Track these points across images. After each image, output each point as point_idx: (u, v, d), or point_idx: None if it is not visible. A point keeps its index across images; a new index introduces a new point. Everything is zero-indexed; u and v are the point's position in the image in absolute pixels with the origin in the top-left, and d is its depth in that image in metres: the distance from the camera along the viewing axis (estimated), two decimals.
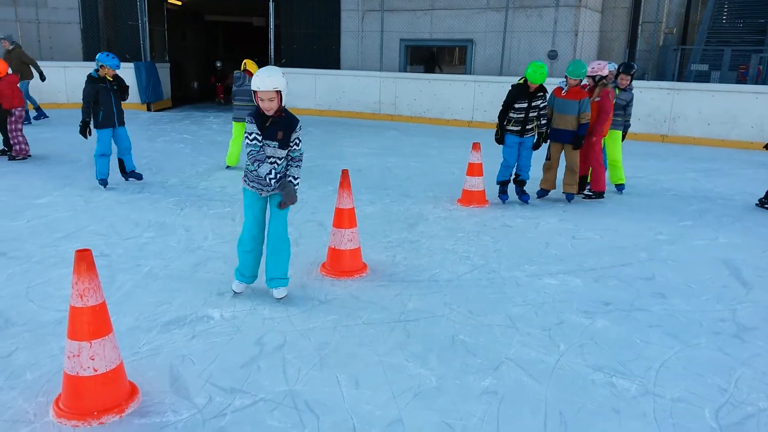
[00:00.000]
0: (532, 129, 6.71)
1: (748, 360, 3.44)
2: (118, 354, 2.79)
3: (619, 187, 7.72)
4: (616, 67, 7.82)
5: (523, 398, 2.99)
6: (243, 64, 8.51)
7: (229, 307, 3.98)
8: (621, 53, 15.01)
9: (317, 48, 16.39)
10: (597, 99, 6.99)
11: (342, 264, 4.60)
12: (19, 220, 5.84)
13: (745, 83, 14.27)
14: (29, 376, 3.08)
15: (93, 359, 2.65)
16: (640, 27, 14.86)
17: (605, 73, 7.04)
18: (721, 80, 14.74)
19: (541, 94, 6.58)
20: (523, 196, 6.99)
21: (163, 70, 16.35)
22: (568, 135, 6.87)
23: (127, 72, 15.38)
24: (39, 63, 14.20)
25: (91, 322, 2.63)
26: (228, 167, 8.71)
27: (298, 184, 3.99)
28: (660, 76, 15.58)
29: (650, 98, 12.33)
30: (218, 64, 19.50)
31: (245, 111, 7.94)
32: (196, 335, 3.57)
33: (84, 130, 7.12)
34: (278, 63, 15.94)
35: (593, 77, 7.04)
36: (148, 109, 15.69)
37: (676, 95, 12.24)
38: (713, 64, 15.45)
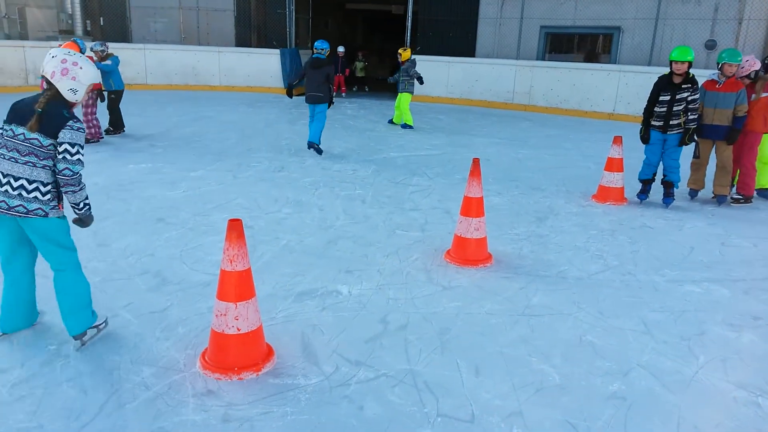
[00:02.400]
0: (677, 125, 6.11)
1: None
2: (258, 317, 3.02)
3: (762, 193, 6.91)
4: None
5: (654, 407, 2.84)
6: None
7: (356, 284, 4.15)
8: None
9: (453, 35, 16.32)
10: (764, 94, 6.34)
11: (467, 252, 4.60)
12: (176, 190, 6.47)
13: None
14: (181, 330, 3.43)
15: (237, 319, 2.89)
16: None
17: (758, 67, 6.37)
18: None
19: (688, 86, 5.96)
20: (665, 199, 6.43)
21: (306, 57, 17.14)
22: (722, 131, 6.29)
23: (273, 58, 16.43)
24: (196, 48, 15.52)
25: (238, 285, 2.87)
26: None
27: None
28: None
29: None
30: (341, 50, 16.76)
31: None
32: (326, 308, 3.76)
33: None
34: (414, 50, 16.08)
35: (747, 76, 6.39)
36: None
37: None
38: None
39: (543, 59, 15.30)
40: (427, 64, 15.54)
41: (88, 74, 3.00)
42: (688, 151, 6.79)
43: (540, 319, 3.72)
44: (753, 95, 6.47)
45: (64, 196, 3.06)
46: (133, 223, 5.32)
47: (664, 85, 6.09)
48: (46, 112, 2.89)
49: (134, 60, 16.33)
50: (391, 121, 12.00)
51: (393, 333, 3.48)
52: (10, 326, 3.29)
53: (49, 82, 2.97)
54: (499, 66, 15.03)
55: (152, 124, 10.83)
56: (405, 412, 2.75)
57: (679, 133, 6.13)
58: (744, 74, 6.45)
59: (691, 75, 5.98)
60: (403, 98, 11.36)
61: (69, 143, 2.90)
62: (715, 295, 4.18)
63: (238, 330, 2.90)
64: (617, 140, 6.49)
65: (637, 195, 6.58)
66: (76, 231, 5.05)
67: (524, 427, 2.67)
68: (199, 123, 11.16)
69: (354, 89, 18.78)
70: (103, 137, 9.09)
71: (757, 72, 6.42)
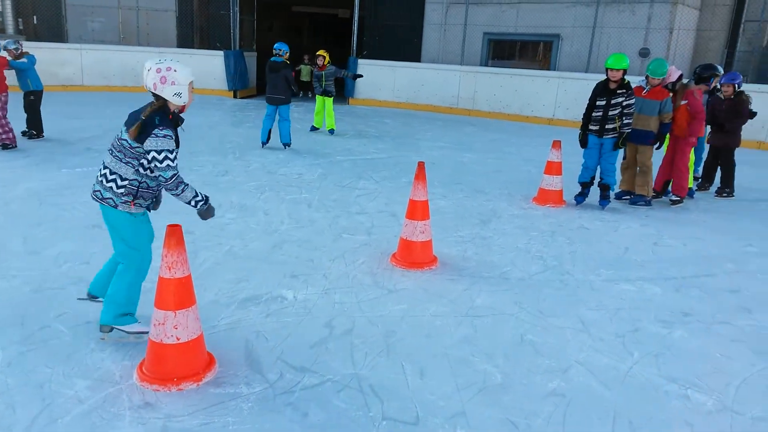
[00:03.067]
0: (613, 129, 6.30)
1: None
2: (199, 325, 2.95)
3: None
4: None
5: (592, 403, 2.93)
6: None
7: (302, 289, 4.11)
8: (719, 54, 14.17)
9: (399, 40, 16.46)
10: (683, 102, 6.67)
11: (413, 255, 4.64)
12: None
13: None
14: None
15: (176, 328, 2.82)
16: (742, 26, 13.95)
17: (675, 77, 6.71)
18: None
19: (623, 92, 6.18)
20: (602, 201, 6.65)
21: (250, 59, 16.93)
22: (643, 135, 6.59)
23: (216, 60, 16.13)
24: (136, 48, 15.03)
25: (177, 293, 2.80)
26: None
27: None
28: (761, 78, 14.57)
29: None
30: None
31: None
32: (271, 314, 3.72)
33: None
34: (360, 54, 16.12)
35: (665, 86, 6.72)
36: (234, 96, 16.30)
37: None
38: None
39: (486, 65, 15.62)
40: (373, 69, 15.61)
41: (183, 74, 3.12)
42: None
43: (483, 320, 3.78)
44: (678, 102, 6.78)
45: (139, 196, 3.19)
46: (67, 229, 5.11)
47: (600, 90, 6.32)
48: (145, 121, 3.05)
49: (70, 60, 15.72)
50: (313, 128, 11.33)
51: (338, 337, 3.47)
52: (92, 288, 3.56)
53: (154, 95, 3.12)
54: (444, 71, 15.24)
55: (89, 126, 10.44)
56: (350, 417, 2.74)
57: (615, 137, 6.34)
58: (665, 84, 6.76)
59: (626, 81, 6.21)
60: (328, 102, 10.91)
61: (155, 151, 3.02)
62: (648, 293, 4.36)
63: (177, 339, 2.83)
64: (556, 144, 6.69)
65: (575, 197, 6.78)
66: (4, 238, 4.82)
67: (467, 427, 2.70)
68: None
69: (299, 94, 18.59)
70: (15, 145, 8.25)
71: (674, 83, 6.73)
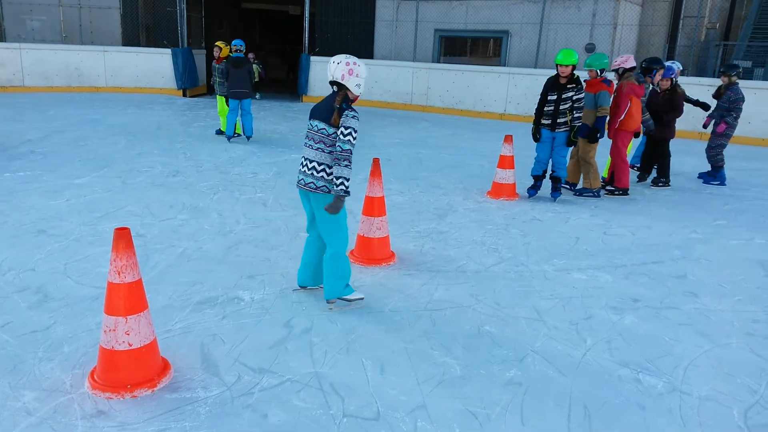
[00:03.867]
0: (564, 123, 6.41)
1: None
2: (151, 330, 2.87)
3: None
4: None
5: (548, 390, 2.99)
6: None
7: (259, 289, 4.06)
8: (660, 48, 14.69)
9: (351, 37, 16.43)
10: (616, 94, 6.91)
11: (370, 252, 4.64)
12: (58, 199, 6.03)
13: None
14: (66, 348, 3.20)
15: (128, 334, 2.74)
16: (681, 21, 14.49)
17: (629, 65, 6.89)
18: (765, 77, 14.32)
19: (573, 86, 6.29)
20: (553, 193, 6.80)
21: (199, 57, 16.58)
22: (583, 128, 6.77)
23: (164, 58, 15.76)
24: (79, 47, 14.53)
25: (128, 298, 2.71)
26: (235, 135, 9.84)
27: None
28: (700, 72, 15.20)
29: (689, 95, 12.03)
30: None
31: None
32: (227, 315, 3.65)
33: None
34: (312, 51, 16.01)
35: (616, 70, 6.92)
36: (184, 95, 15.95)
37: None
38: (757, 60, 15.01)
39: (438, 62, 15.75)
40: (326, 66, 15.51)
41: (364, 69, 3.67)
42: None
43: (441, 313, 3.82)
44: (614, 93, 6.99)
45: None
46: (10, 236, 4.90)
47: (551, 85, 6.46)
48: (340, 107, 3.56)
49: (9, 60, 15.07)
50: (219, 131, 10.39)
51: (297, 337, 3.44)
52: (302, 281, 4.03)
53: (338, 84, 3.61)
54: (397, 68, 15.29)
55: (31, 129, 10.04)
56: (310, 416, 2.72)
57: (566, 131, 6.46)
58: (614, 68, 6.95)
59: (575, 76, 6.35)
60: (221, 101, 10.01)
61: (344, 127, 3.51)
62: (599, 281, 4.48)
63: (130, 345, 2.75)
64: (508, 139, 6.79)
65: (528, 190, 6.92)
66: None
67: (428, 419, 2.72)
68: (84, 127, 10.48)
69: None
70: None
71: (626, 70, 6.90)
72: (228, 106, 9.56)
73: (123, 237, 2.67)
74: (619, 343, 3.51)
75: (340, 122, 3.51)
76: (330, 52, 15.84)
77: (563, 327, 3.69)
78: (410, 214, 6.06)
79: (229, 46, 9.88)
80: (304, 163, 3.67)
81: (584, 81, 6.76)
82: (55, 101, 13.72)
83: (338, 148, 3.50)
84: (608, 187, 7.25)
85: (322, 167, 3.59)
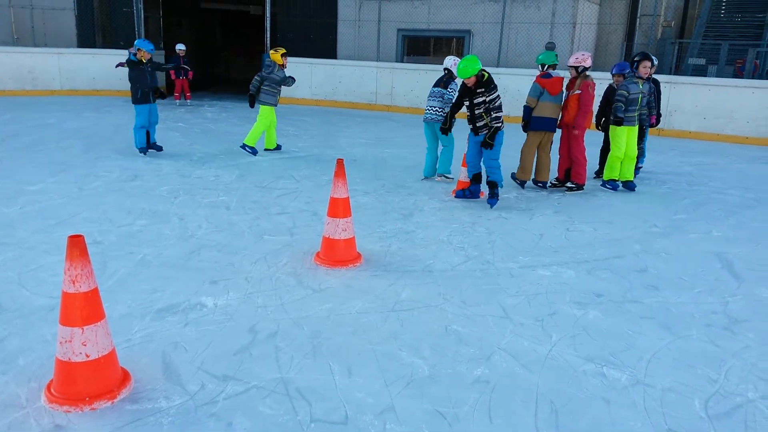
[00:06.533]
0: (484, 126, 6.20)
1: (739, 352, 3.46)
2: (110, 340, 2.78)
3: (630, 185, 7.44)
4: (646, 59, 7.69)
5: (515, 387, 3.01)
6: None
7: (222, 295, 3.98)
8: (619, 46, 15.01)
9: (314, 37, 16.33)
10: (578, 92, 7.00)
11: (336, 253, 4.60)
12: (12, 206, 5.82)
13: (742, 78, 14.30)
14: (21, 361, 3.08)
15: (85, 345, 2.64)
16: (638, 20, 14.85)
17: (588, 64, 7.03)
18: (718, 74, 14.77)
19: (481, 90, 6.12)
20: (489, 200, 6.39)
21: (158, 58, 16.18)
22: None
23: (121, 59, 15.33)
24: (32, 49, 14.05)
25: (83, 308, 2.62)
26: (267, 149, 9.29)
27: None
28: (657, 69, 15.57)
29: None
30: (180, 48, 14.19)
31: (273, 98, 8.99)
32: (189, 323, 3.57)
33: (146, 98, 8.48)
34: None
35: (576, 68, 7.03)
36: None
37: (672, 89, 12.24)
38: (710, 58, 15.47)
39: (402, 61, 15.77)
40: (289, 66, 15.37)
41: (453, 60, 7.23)
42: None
43: (409, 314, 3.80)
44: (571, 91, 7.12)
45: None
46: None
47: (462, 91, 6.40)
48: (447, 80, 7.33)
49: None
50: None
51: (262, 342, 3.38)
52: (429, 173, 7.69)
53: (447, 70, 7.39)
54: (361, 68, 15.25)
55: None
56: (277, 423, 2.67)
57: (485, 134, 6.27)
58: (575, 65, 7.06)
59: (485, 78, 6.12)
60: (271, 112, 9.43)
61: (450, 89, 7.30)
62: (563, 276, 4.54)
63: (87, 356, 2.65)
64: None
65: (456, 192, 6.81)
66: None
67: (396, 421, 2.70)
68: (38, 131, 10.15)
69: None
70: None
71: (585, 69, 7.05)
72: (265, 117, 8.91)
73: (77, 245, 2.57)
74: (583, 338, 3.56)
75: (449, 87, 7.25)
76: (293, 53, 15.73)
77: (529, 324, 3.72)
78: (376, 214, 6.04)
79: (281, 53, 9.00)
80: (428, 108, 7.44)
81: (446, 70, 7.37)
82: (8, 105, 13.26)
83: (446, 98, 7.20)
84: (568, 184, 7.36)
85: (437, 108, 7.32)
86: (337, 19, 16.07)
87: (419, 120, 13.88)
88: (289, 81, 9.10)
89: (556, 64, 7.18)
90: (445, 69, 7.32)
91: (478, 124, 6.30)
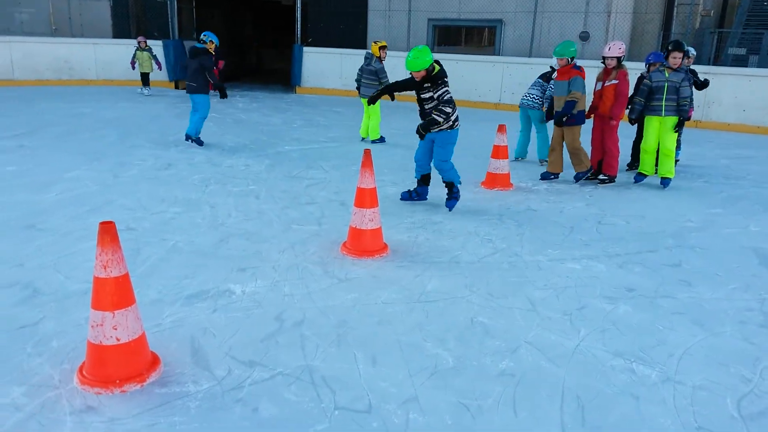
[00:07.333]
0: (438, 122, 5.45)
1: None
2: (140, 324, 2.84)
3: (664, 182, 7.06)
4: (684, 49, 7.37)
5: (541, 381, 2.97)
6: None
7: (250, 282, 4.03)
8: (655, 35, 14.63)
9: (344, 27, 16.30)
10: (614, 81, 6.85)
11: (363, 244, 4.60)
12: (48, 193, 5.97)
13: None
14: (55, 343, 3.16)
15: (115, 329, 2.70)
16: (675, 9, 14.44)
17: (614, 54, 6.86)
18: (760, 65, 14.30)
19: (428, 85, 5.45)
20: (447, 202, 5.81)
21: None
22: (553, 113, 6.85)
23: (155, 50, 15.60)
24: (68, 40, 14.35)
25: (114, 293, 2.68)
26: (362, 139, 9.66)
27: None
28: (695, 60, 15.13)
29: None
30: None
31: (371, 89, 9.14)
32: (218, 309, 3.62)
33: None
34: (305, 42, 15.90)
35: (618, 58, 6.88)
36: (176, 87, 15.85)
37: (711, 80, 11.86)
38: (751, 48, 14.97)
39: (432, 51, 15.64)
40: (320, 57, 15.44)
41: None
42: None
43: (435, 305, 3.79)
44: (607, 81, 6.96)
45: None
46: None
47: (412, 84, 5.72)
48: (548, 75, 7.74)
49: None
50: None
51: (289, 330, 3.41)
52: (518, 154, 8.22)
53: (553, 68, 7.58)
54: (391, 58, 15.10)
55: (20, 123, 9.94)
56: (301, 410, 2.69)
57: (441, 131, 5.59)
58: (616, 56, 6.89)
59: (434, 72, 5.48)
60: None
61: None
62: (593, 270, 4.46)
63: (117, 340, 2.71)
64: (501, 128, 6.76)
65: (402, 194, 6.18)
66: None
67: (420, 411, 2.70)
68: (74, 120, 10.39)
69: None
70: None
71: (617, 59, 6.89)
72: (372, 108, 9.25)
73: (108, 231, 2.63)
74: (612, 333, 3.49)
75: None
76: (322, 43, 15.78)
77: (557, 317, 3.67)
78: (404, 205, 6.02)
79: (379, 45, 9.31)
80: (527, 95, 7.94)
81: (552, 68, 6.85)
82: (45, 95, 13.60)
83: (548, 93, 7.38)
84: (600, 176, 7.23)
85: (535, 96, 7.82)
86: (368, 8, 16.02)
87: None
88: (382, 73, 9.31)
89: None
90: (551, 67, 7.84)
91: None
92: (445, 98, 5.47)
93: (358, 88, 9.55)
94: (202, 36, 8.62)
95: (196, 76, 8.32)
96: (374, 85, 9.26)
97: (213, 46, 8.54)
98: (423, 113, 5.68)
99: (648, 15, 15.06)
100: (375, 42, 9.51)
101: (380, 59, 9.33)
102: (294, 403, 2.74)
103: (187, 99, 8.81)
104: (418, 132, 5.53)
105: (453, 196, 5.82)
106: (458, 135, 5.71)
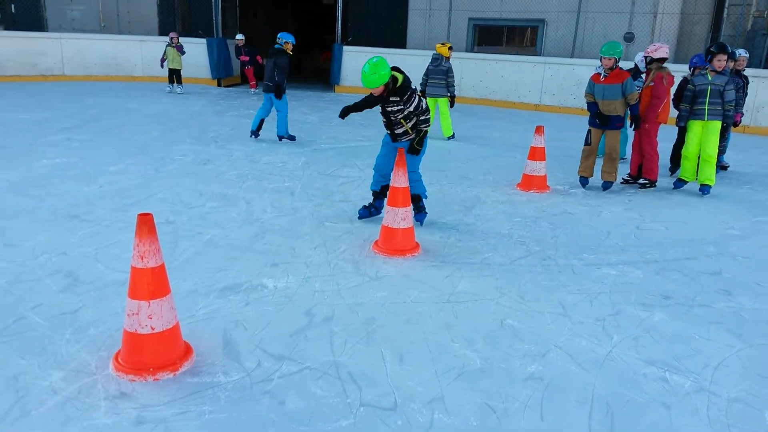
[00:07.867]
0: (404, 133, 5.10)
1: None
2: (174, 315, 2.92)
3: (703, 189, 6.80)
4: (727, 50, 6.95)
5: (570, 387, 2.93)
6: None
7: (282, 277, 4.08)
8: (703, 37, 14.20)
9: (384, 26, 16.33)
10: (651, 84, 6.70)
11: (394, 242, 4.61)
12: (92, 185, 6.17)
13: None
14: (93, 331, 3.27)
15: (151, 318, 2.78)
16: (726, 10, 13.97)
17: (659, 55, 6.70)
18: None
19: (396, 99, 4.96)
20: (416, 216, 5.24)
21: (234, 47, 16.71)
22: (610, 120, 6.57)
23: (199, 47, 15.95)
24: (116, 37, 14.74)
25: (150, 283, 2.76)
26: (447, 138, 9.86)
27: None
28: (747, 63, 14.62)
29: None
30: (240, 38, 14.59)
31: (440, 89, 9.54)
32: (250, 302, 3.69)
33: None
34: (345, 41, 16.00)
35: (657, 59, 6.72)
36: (219, 85, 16.14)
37: (761, 83, 11.49)
38: None
39: (472, 51, 15.55)
40: (359, 55, 15.50)
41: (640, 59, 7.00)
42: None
43: (464, 306, 3.78)
44: (646, 82, 6.81)
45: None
46: (44, 220, 5.04)
47: (375, 97, 5.15)
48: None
49: (50, 50, 15.48)
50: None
51: (318, 325, 3.45)
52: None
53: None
54: (430, 57, 15.12)
55: (69, 116, 10.30)
56: (328, 404, 2.72)
57: (410, 140, 5.14)
58: (649, 55, 6.77)
59: (399, 84, 5.00)
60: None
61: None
62: (629, 276, 4.37)
63: (152, 329, 2.79)
64: (539, 130, 6.66)
65: (359, 211, 5.52)
66: None
67: (445, 411, 2.70)
68: (119, 115, 10.70)
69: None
70: None
71: (655, 60, 6.74)
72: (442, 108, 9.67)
73: (146, 222, 2.71)
74: (646, 341, 3.42)
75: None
76: (363, 42, 15.84)
77: (589, 323, 3.61)
78: (437, 205, 6.01)
79: (447, 46, 9.65)
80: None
81: (599, 73, 6.55)
82: (93, 90, 14.04)
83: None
84: (640, 180, 7.06)
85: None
86: (408, 8, 16.01)
87: (487, 111, 13.71)
88: (451, 73, 9.55)
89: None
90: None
91: (397, 131, 5.14)
92: (423, 107, 5.05)
93: (422, 91, 9.53)
94: (278, 37, 8.84)
95: (272, 76, 8.55)
96: (442, 85, 9.51)
97: (290, 46, 8.72)
98: (389, 123, 5.18)
99: (696, 16, 14.62)
100: (443, 43, 9.70)
101: (448, 59, 9.59)
102: (320, 397, 2.77)
103: (227, 97, 8.99)
104: (411, 150, 5.07)
105: (421, 209, 5.33)
106: (427, 144, 5.27)
